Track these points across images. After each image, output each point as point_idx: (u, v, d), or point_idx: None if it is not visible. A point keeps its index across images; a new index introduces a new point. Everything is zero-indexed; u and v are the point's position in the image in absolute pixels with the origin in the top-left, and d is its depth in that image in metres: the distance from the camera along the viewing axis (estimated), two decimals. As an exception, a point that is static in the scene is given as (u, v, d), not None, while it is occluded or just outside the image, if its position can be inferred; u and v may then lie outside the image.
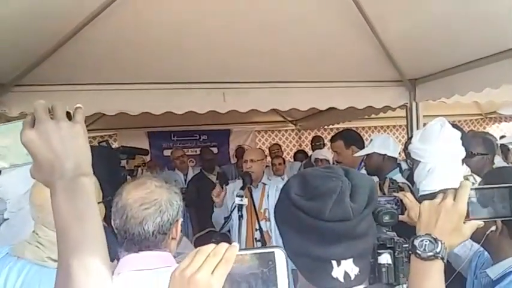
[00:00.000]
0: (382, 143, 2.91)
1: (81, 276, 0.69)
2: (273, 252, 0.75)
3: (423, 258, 1.00)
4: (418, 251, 1.00)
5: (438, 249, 0.99)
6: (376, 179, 2.80)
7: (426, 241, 1.01)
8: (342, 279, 0.91)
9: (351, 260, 0.91)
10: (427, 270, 1.00)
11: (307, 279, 0.95)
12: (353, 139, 3.36)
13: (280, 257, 0.74)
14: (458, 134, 1.88)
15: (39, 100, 0.76)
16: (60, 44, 2.75)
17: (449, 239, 1.03)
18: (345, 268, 0.91)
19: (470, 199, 1.06)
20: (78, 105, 0.80)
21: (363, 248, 0.94)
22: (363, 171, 3.01)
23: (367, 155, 2.98)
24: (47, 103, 0.76)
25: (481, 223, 1.08)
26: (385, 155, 2.89)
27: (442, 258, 1.00)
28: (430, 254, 0.99)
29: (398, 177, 2.78)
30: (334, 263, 0.91)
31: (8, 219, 2.24)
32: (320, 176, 0.95)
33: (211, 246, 0.75)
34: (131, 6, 2.50)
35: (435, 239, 1.00)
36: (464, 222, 1.05)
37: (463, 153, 1.88)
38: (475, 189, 1.08)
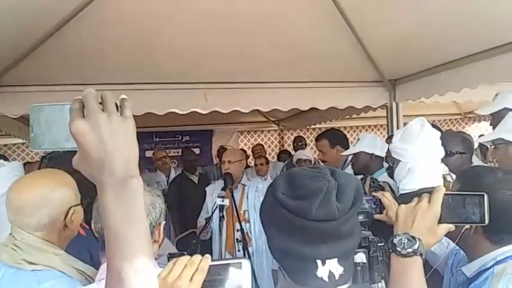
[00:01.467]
0: (370, 142, 2.93)
1: (134, 282, 0.66)
2: (240, 262, 0.90)
3: (403, 255, 1.05)
4: (397, 249, 1.06)
5: (416, 246, 1.05)
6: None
7: (405, 239, 1.07)
8: (326, 279, 0.91)
9: (335, 259, 0.92)
10: (407, 266, 1.05)
11: (292, 279, 0.95)
12: (338, 139, 3.39)
13: (246, 266, 0.90)
14: (438, 133, 1.90)
15: (89, 88, 0.70)
16: (39, 43, 2.69)
17: (425, 238, 1.08)
18: (330, 268, 0.91)
19: (443, 204, 1.11)
20: (123, 96, 0.75)
21: (347, 247, 0.95)
22: (349, 170, 3.02)
23: (354, 154, 2.99)
24: (97, 92, 0.70)
25: (452, 227, 1.14)
26: (372, 154, 2.90)
27: (421, 254, 1.06)
28: (410, 250, 1.05)
29: (385, 177, 2.79)
30: (319, 262, 0.91)
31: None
32: (307, 176, 0.95)
33: (187, 257, 0.90)
34: (113, 5, 2.47)
35: (413, 237, 1.07)
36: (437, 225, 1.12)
37: (443, 153, 1.90)
38: (448, 194, 1.13)
